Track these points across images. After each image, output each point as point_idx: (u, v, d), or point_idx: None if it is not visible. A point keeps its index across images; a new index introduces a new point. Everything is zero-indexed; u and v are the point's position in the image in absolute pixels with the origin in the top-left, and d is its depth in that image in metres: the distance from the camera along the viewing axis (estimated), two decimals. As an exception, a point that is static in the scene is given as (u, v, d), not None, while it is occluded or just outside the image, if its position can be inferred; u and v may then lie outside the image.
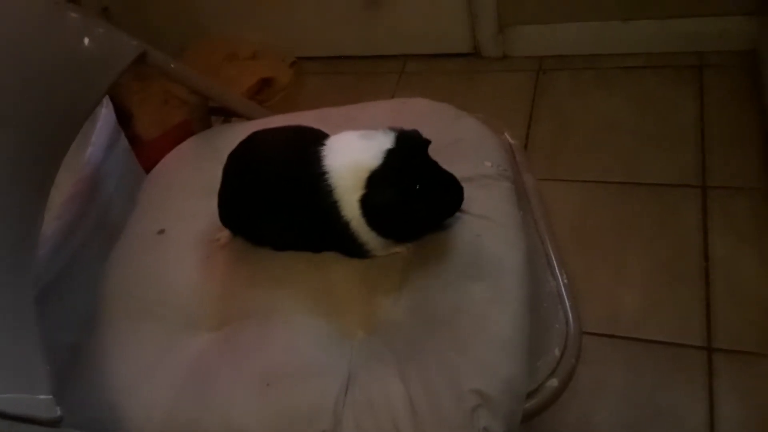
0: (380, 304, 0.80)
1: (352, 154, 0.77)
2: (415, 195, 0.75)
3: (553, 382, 0.73)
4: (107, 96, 1.17)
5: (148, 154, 1.29)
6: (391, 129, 0.79)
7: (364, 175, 0.75)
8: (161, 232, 0.93)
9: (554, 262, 0.83)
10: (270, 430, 0.70)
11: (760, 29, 1.63)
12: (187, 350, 0.79)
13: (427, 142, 0.79)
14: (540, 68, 1.86)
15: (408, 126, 0.95)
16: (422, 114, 0.98)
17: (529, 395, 0.72)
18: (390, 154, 0.76)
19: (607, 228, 1.46)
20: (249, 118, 1.09)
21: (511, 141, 0.96)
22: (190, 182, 0.99)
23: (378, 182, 0.75)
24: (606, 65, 1.80)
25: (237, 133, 1.04)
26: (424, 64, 1.99)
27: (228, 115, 1.12)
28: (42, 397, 0.59)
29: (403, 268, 0.81)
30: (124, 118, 1.61)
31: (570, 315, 0.79)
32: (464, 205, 0.80)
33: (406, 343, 0.74)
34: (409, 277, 0.80)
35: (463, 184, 0.85)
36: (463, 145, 0.90)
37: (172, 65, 1.00)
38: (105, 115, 1.14)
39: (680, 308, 1.30)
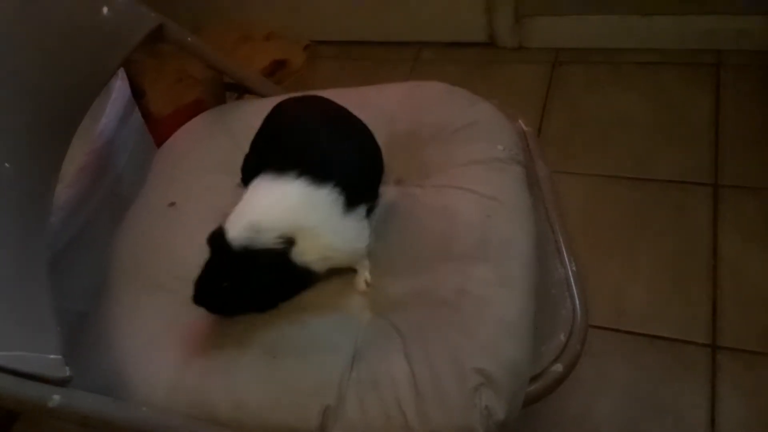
0: (387, 285, 0.80)
1: None
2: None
3: (558, 368, 0.73)
4: (122, 69, 1.18)
5: (160, 131, 1.29)
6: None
7: None
8: (172, 204, 0.93)
9: (563, 249, 0.83)
10: (274, 401, 0.71)
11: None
12: (193, 322, 0.80)
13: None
14: (556, 60, 1.85)
15: (422, 109, 0.96)
16: (437, 97, 0.98)
17: (533, 379, 0.72)
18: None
19: (617, 223, 1.46)
20: (263, 96, 1.09)
21: (525, 128, 0.96)
22: (202, 156, 1.00)
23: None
24: (622, 60, 1.79)
25: (251, 109, 1.05)
26: (439, 52, 1.98)
27: (242, 91, 1.12)
28: (52, 356, 0.59)
29: (411, 250, 0.81)
30: (137, 96, 1.61)
31: (577, 302, 0.79)
32: (475, 186, 0.80)
33: (412, 324, 0.74)
34: (416, 258, 0.80)
35: (476, 167, 0.85)
36: (477, 128, 0.90)
37: (189, 39, 1.00)
38: (119, 87, 1.15)
39: (686, 305, 1.30)
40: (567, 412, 1.20)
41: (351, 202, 0.78)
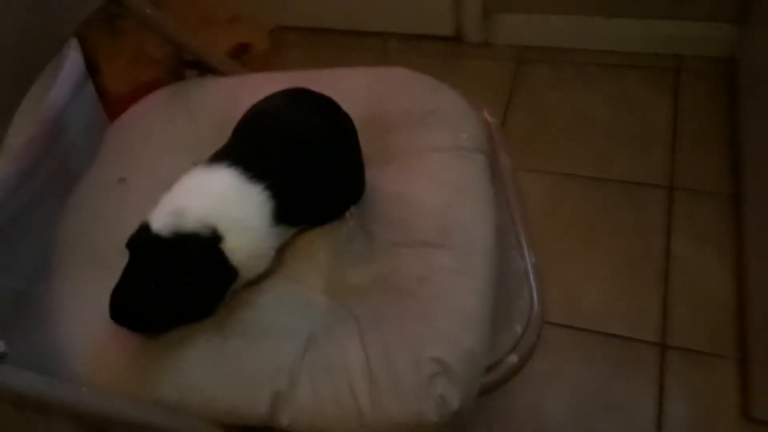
0: (345, 270, 0.78)
1: None
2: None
3: (513, 358, 0.73)
4: (76, 40, 1.13)
5: (116, 111, 1.25)
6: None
7: None
8: (122, 180, 0.89)
9: (523, 241, 0.83)
10: (223, 385, 0.69)
11: (741, 37, 1.65)
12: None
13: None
14: (521, 58, 1.85)
15: (387, 94, 0.95)
16: (402, 83, 0.96)
17: (488, 369, 0.72)
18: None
19: (574, 221, 1.47)
20: (224, 74, 1.05)
21: (490, 119, 0.95)
22: (158, 133, 0.96)
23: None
24: (586, 61, 1.81)
25: (210, 87, 1.02)
26: (405, 44, 1.96)
27: (202, 69, 1.08)
28: (-16, 331, 0.56)
29: (370, 235, 0.80)
30: (92, 73, 1.55)
31: (534, 294, 0.78)
32: (438, 173, 0.79)
33: (369, 310, 0.73)
34: (375, 244, 0.79)
35: (438, 155, 0.84)
36: (441, 115, 0.89)
37: (148, 10, 0.96)
38: (73, 58, 1.10)
39: (639, 304, 1.32)
40: (518, 407, 1.21)
41: (282, 217, 0.73)
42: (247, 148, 0.76)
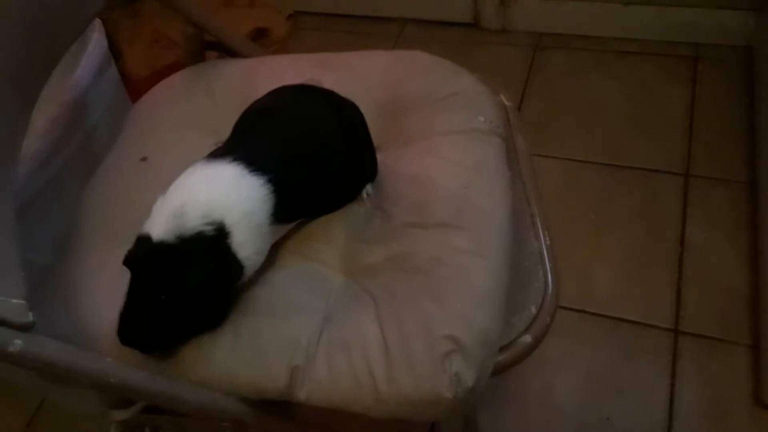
0: (361, 250, 0.80)
1: None
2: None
3: (527, 339, 0.74)
4: (99, 21, 1.15)
5: (138, 93, 1.26)
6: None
7: None
8: (144, 159, 0.91)
9: (538, 223, 0.84)
10: (241, 360, 0.70)
11: (758, 25, 1.64)
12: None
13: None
14: (538, 45, 1.85)
15: (405, 77, 0.95)
16: (420, 66, 0.97)
17: (502, 349, 0.73)
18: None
19: (588, 207, 1.48)
20: (244, 56, 1.07)
21: (507, 102, 0.96)
22: (178, 113, 0.98)
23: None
24: (603, 48, 1.80)
25: (230, 69, 1.03)
26: (422, 30, 1.97)
27: (223, 51, 1.10)
28: (15, 301, 0.58)
29: (387, 216, 0.81)
30: (113, 55, 1.57)
31: (549, 276, 0.79)
32: (455, 156, 0.80)
33: (385, 290, 0.74)
34: (391, 224, 0.80)
35: (456, 137, 0.85)
36: (459, 98, 0.90)
37: (169, -7, 0.98)
38: (96, 39, 1.11)
39: (652, 290, 1.32)
40: (530, 389, 1.22)
41: (282, 212, 0.72)
42: (247, 144, 0.75)
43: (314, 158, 0.76)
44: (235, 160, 0.70)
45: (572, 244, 1.41)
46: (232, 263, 0.68)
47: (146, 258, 0.66)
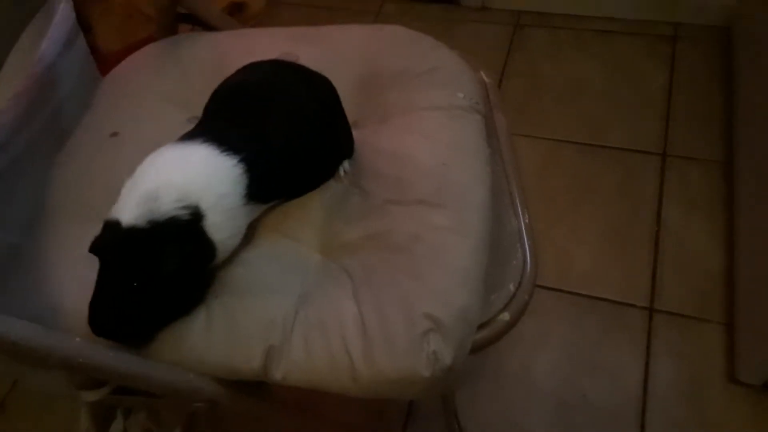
0: (339, 228, 0.78)
1: None
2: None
3: (505, 316, 0.73)
4: (67, -8, 1.10)
5: (109, 68, 1.23)
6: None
7: None
8: (114, 134, 0.88)
9: (517, 201, 0.83)
10: (215, 340, 0.69)
11: (737, 6, 1.64)
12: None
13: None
14: (518, 23, 1.84)
15: (383, 51, 0.93)
16: (399, 41, 0.95)
17: (481, 327, 0.72)
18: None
19: (566, 186, 1.48)
20: (219, 30, 1.04)
21: (486, 79, 0.94)
22: (150, 87, 0.95)
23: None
24: (583, 27, 1.79)
25: (204, 42, 1.00)
26: (402, 7, 1.94)
27: (197, 24, 1.07)
28: (-24, 279, 0.56)
29: (364, 193, 0.79)
30: (84, 30, 1.53)
31: (528, 254, 0.79)
32: (434, 132, 0.79)
33: (363, 268, 0.73)
34: (369, 202, 0.78)
35: (435, 113, 0.83)
36: (438, 74, 0.88)
37: (140, -38, 0.94)
38: (63, 9, 1.07)
39: (628, 269, 1.33)
40: (508, 368, 1.22)
41: (253, 193, 0.70)
42: (219, 124, 0.73)
43: (289, 136, 0.74)
44: (206, 140, 0.68)
45: (551, 223, 1.41)
46: (207, 247, 0.67)
47: (116, 245, 0.63)
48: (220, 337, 0.69)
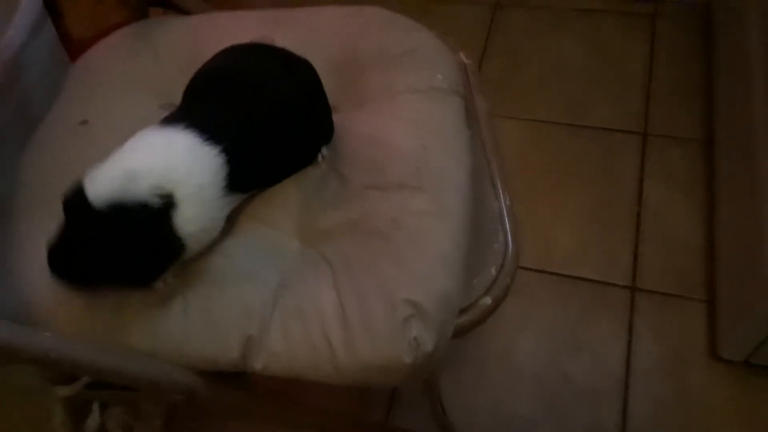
0: (318, 214, 0.77)
1: None
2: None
3: (487, 301, 0.73)
4: (32, -25, 1.07)
5: (80, 54, 1.19)
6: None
7: None
8: (84, 122, 0.86)
9: (498, 183, 0.82)
10: (192, 332, 0.68)
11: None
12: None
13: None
14: (498, 3, 1.81)
15: (361, 33, 0.92)
16: (376, 22, 0.93)
17: (462, 311, 0.72)
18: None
19: (548, 167, 1.47)
20: (191, 13, 1.01)
21: (466, 61, 0.93)
22: (121, 73, 0.92)
23: None
24: (563, 6, 1.77)
25: (176, 26, 0.98)
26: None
27: (168, 7, 1.04)
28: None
29: (343, 178, 0.78)
30: (54, 16, 1.49)
31: (509, 236, 0.78)
32: (413, 115, 0.77)
33: (342, 254, 0.72)
34: (348, 187, 0.77)
35: (413, 96, 0.82)
36: (417, 56, 0.87)
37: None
38: (29, -6, 1.04)
39: (610, 248, 1.33)
40: (491, 349, 1.22)
41: (233, 183, 0.68)
42: (200, 110, 0.71)
43: (269, 123, 0.72)
44: (188, 127, 0.66)
45: (532, 204, 1.41)
46: (172, 242, 0.64)
47: (80, 209, 0.62)
48: (198, 327, 0.68)
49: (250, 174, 0.71)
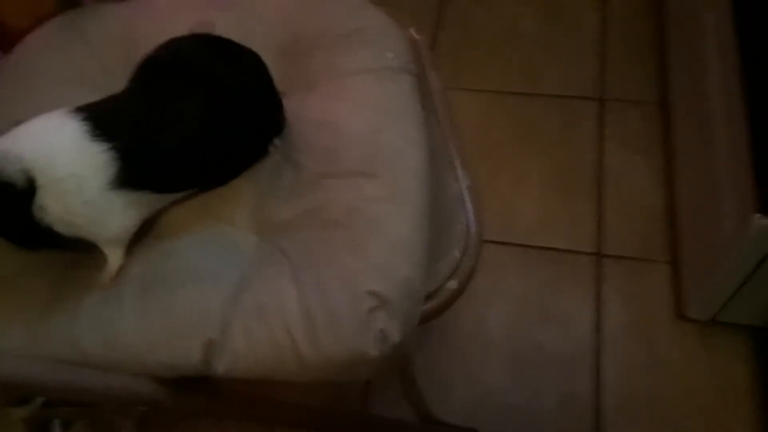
0: (273, 206, 0.74)
1: None
2: None
3: (453, 284, 0.71)
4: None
5: (14, 44, 1.13)
6: None
7: None
8: (18, 124, 0.81)
9: (457, 163, 0.80)
10: (150, 339, 0.65)
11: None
12: (52, 259, 0.71)
13: None
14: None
15: (306, 13, 0.88)
16: (322, 1, 0.89)
17: (428, 297, 0.70)
18: None
19: (507, 138, 1.46)
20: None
21: (416, 37, 0.90)
22: (54, 68, 0.87)
23: None
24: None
25: (110, 13, 0.93)
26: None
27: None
28: None
29: (297, 168, 0.75)
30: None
31: (471, 217, 0.76)
32: (364, 97, 0.74)
33: (301, 247, 0.69)
34: (302, 177, 0.74)
35: (364, 77, 0.79)
36: (365, 34, 0.83)
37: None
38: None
39: (574, 216, 1.33)
40: (460, 325, 1.22)
41: (133, 182, 0.66)
42: (114, 103, 0.69)
43: (208, 121, 0.69)
44: (84, 119, 0.65)
45: (494, 177, 1.40)
46: (34, 223, 0.63)
47: None
48: (156, 334, 0.65)
49: (169, 175, 0.69)
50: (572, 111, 1.48)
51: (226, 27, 0.80)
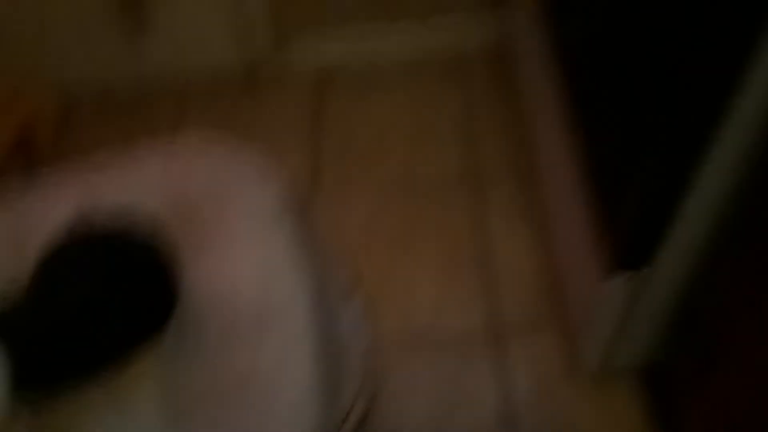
0: (173, 390, 0.76)
1: None
2: None
3: (356, 413, 0.77)
4: None
5: None
6: None
7: None
8: None
9: (345, 287, 0.86)
10: None
11: (500, 23, 1.81)
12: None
13: None
14: (318, 82, 1.88)
15: (184, 174, 0.93)
16: (197, 158, 0.95)
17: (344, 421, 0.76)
18: None
19: (395, 234, 1.54)
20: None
21: (291, 173, 0.97)
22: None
23: None
24: (379, 64, 1.87)
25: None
26: (202, 93, 1.89)
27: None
28: None
29: (195, 342, 0.79)
30: None
31: (366, 338, 0.82)
32: (249, 251, 0.80)
33: (208, 421, 0.73)
34: (200, 350, 0.78)
35: (246, 227, 0.86)
36: (241, 185, 0.90)
37: None
38: None
39: (465, 298, 1.42)
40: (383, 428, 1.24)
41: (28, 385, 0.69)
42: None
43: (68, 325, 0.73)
44: None
45: (387, 275, 1.46)
46: None
47: None
48: None
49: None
50: (449, 199, 1.58)
51: (110, 200, 0.85)
